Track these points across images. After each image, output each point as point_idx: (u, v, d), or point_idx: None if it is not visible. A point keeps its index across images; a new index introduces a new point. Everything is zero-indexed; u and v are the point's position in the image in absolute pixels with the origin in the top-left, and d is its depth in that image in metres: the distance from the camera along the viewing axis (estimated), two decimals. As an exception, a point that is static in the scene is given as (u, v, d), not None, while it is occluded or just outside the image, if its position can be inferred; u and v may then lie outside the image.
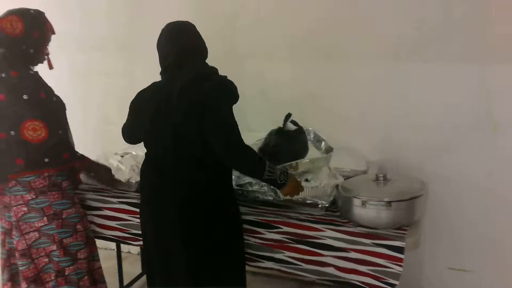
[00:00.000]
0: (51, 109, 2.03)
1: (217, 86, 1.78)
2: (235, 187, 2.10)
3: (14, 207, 2.02)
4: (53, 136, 1.99)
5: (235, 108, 2.65)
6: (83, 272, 2.14)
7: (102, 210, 2.26)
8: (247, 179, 2.08)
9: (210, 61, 2.69)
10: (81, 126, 3.07)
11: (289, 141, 1.99)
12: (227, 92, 1.79)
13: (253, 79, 2.68)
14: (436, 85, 2.33)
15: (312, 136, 2.21)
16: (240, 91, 2.72)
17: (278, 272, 2.00)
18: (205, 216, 1.84)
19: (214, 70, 1.85)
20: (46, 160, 1.99)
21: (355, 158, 2.40)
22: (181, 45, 1.83)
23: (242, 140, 1.78)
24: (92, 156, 2.33)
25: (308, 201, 1.99)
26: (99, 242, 2.85)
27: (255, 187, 2.08)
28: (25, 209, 2.02)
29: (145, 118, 1.85)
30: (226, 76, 1.83)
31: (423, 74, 2.34)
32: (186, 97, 1.74)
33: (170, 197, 1.84)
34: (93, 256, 2.22)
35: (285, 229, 1.93)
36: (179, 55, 1.81)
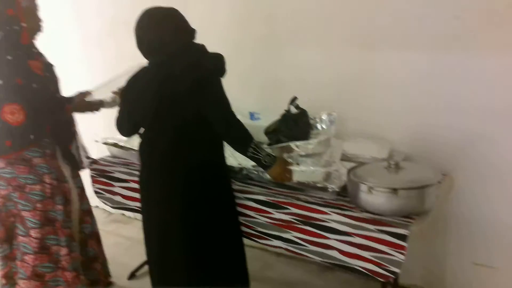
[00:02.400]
0: (31, 94, 2.09)
1: (214, 63, 1.88)
2: (251, 167, 2.17)
3: None
4: (32, 116, 2.08)
5: (273, 91, 2.72)
6: (29, 249, 2.25)
7: (128, 182, 2.42)
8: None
9: (246, 45, 2.74)
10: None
11: (288, 125, 2.00)
12: (221, 68, 1.90)
13: (288, 63, 2.71)
14: (471, 74, 2.21)
15: (324, 120, 2.19)
16: (274, 74, 2.77)
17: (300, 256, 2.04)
18: (200, 189, 1.96)
19: (205, 49, 1.94)
20: (32, 136, 2.12)
21: (380, 146, 2.36)
22: (176, 31, 1.88)
23: (233, 112, 1.90)
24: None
25: (318, 185, 2.00)
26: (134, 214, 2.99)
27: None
28: None
29: (145, 102, 1.92)
30: (205, 50, 1.93)
31: (457, 62, 2.24)
32: (187, 76, 1.82)
33: (166, 174, 1.97)
34: (58, 240, 2.29)
35: (293, 210, 1.96)
36: (176, 41, 1.87)
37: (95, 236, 2.59)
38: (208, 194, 1.98)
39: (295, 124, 1.98)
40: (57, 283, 2.31)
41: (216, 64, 1.90)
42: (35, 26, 2.17)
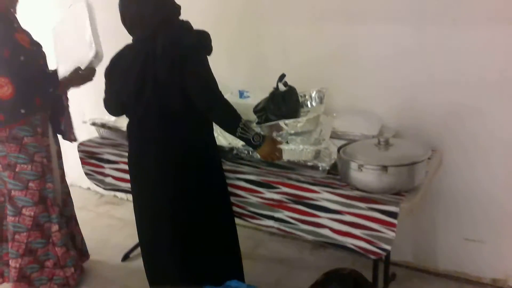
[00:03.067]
0: (19, 67, 2.07)
1: (197, 40, 1.84)
2: (241, 147, 2.16)
3: None
4: (22, 89, 2.06)
5: (261, 68, 2.68)
6: (22, 227, 2.26)
7: (118, 164, 2.40)
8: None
9: (230, 21, 2.69)
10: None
11: (276, 103, 1.98)
12: (206, 45, 1.86)
13: (275, 39, 2.67)
14: (460, 48, 2.20)
15: (314, 98, 2.18)
16: (261, 51, 2.73)
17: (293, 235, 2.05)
18: (188, 175, 1.94)
19: (188, 26, 1.89)
20: (22, 111, 2.10)
21: (370, 123, 2.35)
22: (156, 6, 1.83)
23: (220, 92, 1.86)
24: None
25: (309, 164, 2.00)
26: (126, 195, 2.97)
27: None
28: None
29: (129, 81, 1.88)
30: (188, 27, 1.88)
31: (446, 36, 2.21)
32: (169, 54, 1.79)
33: (154, 157, 1.94)
34: (50, 218, 2.31)
35: (284, 189, 1.96)
36: (156, 16, 1.83)
37: (73, 218, 2.61)
38: (198, 177, 1.96)
39: (283, 102, 1.95)
40: (48, 257, 2.34)
41: (199, 41, 1.84)
42: None
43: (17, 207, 2.25)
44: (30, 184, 2.23)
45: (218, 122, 1.92)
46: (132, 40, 1.92)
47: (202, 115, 1.89)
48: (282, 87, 2.00)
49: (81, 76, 2.23)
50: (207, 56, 1.87)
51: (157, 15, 1.82)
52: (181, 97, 1.83)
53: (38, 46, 2.24)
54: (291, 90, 2.00)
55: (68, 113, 2.42)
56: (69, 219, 2.54)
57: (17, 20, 2.20)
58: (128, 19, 1.87)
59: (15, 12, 2.17)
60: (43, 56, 2.25)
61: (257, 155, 2.07)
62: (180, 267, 2.04)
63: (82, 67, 2.19)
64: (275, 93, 2.00)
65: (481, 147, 2.25)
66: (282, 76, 2.03)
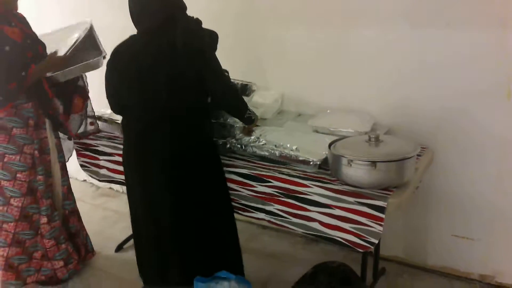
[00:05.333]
0: (3, 55, 2.10)
1: (211, 36, 1.93)
2: (234, 141, 2.19)
3: None
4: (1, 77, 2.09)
5: (257, 68, 2.73)
6: (9, 217, 2.29)
7: (113, 156, 2.43)
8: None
9: (229, 21, 2.73)
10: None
11: None
12: (216, 41, 1.96)
13: (271, 40, 2.68)
14: (453, 50, 2.22)
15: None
16: (257, 52, 2.76)
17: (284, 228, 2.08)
18: (189, 164, 1.99)
19: (200, 21, 1.95)
20: (0, 98, 2.11)
21: (362, 120, 2.37)
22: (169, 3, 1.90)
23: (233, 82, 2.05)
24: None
25: (300, 158, 2.02)
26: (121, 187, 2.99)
27: (254, 143, 2.14)
28: None
29: (139, 72, 1.90)
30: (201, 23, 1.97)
31: (440, 38, 2.24)
32: (184, 46, 1.83)
33: (155, 146, 1.97)
34: (39, 210, 2.34)
35: (275, 183, 1.99)
36: (166, 9, 1.87)
37: (76, 213, 2.62)
38: (200, 171, 2.02)
39: None
40: (36, 248, 2.37)
41: (211, 36, 1.94)
42: None
43: (5, 197, 2.28)
44: (18, 175, 2.26)
45: (230, 109, 2.08)
46: (138, 32, 1.94)
47: (206, 112, 2.01)
48: None
49: (57, 58, 2.23)
50: None
51: (166, 8, 1.88)
52: (195, 89, 1.92)
53: (34, 41, 2.26)
54: None
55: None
56: (71, 214, 2.55)
57: (18, 17, 2.23)
58: (136, 10, 1.88)
59: (13, 10, 2.21)
60: (34, 50, 2.24)
61: (250, 149, 2.13)
62: (179, 261, 2.08)
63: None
64: None
65: (474, 146, 2.28)
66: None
